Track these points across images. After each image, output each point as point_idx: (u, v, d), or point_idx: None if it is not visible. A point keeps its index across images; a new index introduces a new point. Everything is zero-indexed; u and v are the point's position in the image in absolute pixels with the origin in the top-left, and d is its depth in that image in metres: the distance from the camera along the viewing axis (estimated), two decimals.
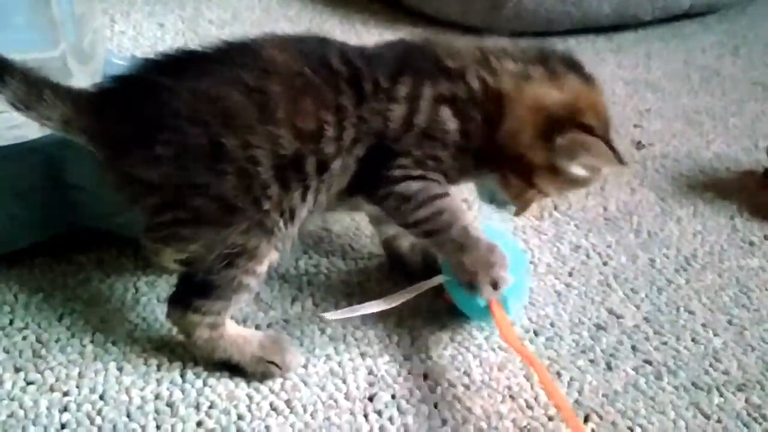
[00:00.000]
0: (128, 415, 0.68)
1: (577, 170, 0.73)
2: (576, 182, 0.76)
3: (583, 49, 1.60)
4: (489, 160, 0.74)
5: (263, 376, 0.71)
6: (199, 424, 0.67)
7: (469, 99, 0.73)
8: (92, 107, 0.68)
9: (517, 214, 0.81)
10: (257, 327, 0.79)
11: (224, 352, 0.71)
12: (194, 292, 0.70)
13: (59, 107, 0.67)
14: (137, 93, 0.68)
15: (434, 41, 0.78)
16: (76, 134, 0.68)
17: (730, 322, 0.83)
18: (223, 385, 0.71)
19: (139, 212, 0.71)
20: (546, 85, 0.73)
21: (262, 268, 0.71)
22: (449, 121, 0.72)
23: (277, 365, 0.72)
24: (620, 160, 0.70)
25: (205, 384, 0.71)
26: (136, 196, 0.69)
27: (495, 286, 0.71)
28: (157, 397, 0.70)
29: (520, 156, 0.73)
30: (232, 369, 0.72)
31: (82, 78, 0.88)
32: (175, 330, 0.74)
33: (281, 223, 0.70)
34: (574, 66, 0.76)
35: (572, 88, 0.73)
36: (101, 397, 0.69)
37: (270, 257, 0.71)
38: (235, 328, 0.74)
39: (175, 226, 0.69)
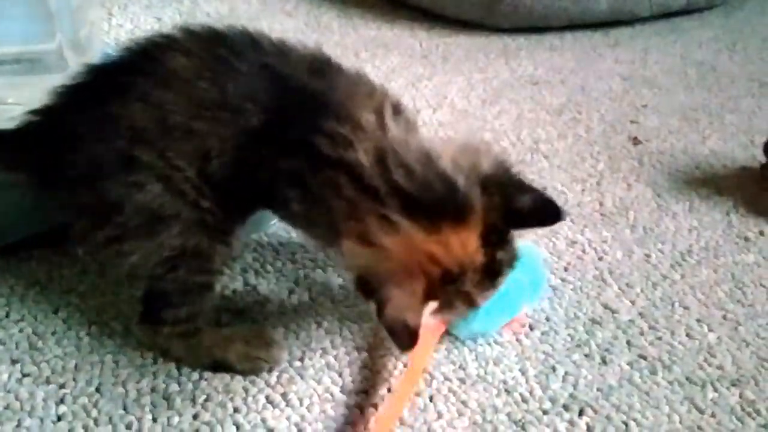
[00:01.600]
0: (124, 408, 0.68)
1: None
2: None
3: (580, 44, 1.61)
4: None
5: (252, 372, 0.71)
6: (195, 416, 0.68)
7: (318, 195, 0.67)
8: (16, 145, 0.70)
9: None
10: (253, 320, 0.79)
11: (208, 355, 0.72)
12: (156, 305, 0.70)
13: None
14: (51, 123, 0.69)
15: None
16: (13, 174, 0.71)
17: (725, 318, 0.84)
18: (219, 378, 0.71)
19: (78, 235, 0.71)
20: None
21: (213, 265, 0.70)
22: (294, 201, 0.68)
23: (264, 360, 0.72)
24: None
25: (201, 377, 0.71)
26: (72, 221, 0.70)
27: None
28: (153, 389, 0.70)
29: None
30: (221, 368, 0.72)
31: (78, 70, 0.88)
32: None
33: (225, 218, 0.69)
34: None
35: None
36: (97, 390, 0.70)
37: (221, 252, 0.70)
38: (216, 331, 0.73)
39: (109, 244, 0.68)
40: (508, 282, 0.70)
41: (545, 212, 0.65)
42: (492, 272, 0.65)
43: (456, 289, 0.64)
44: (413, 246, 0.61)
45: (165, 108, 0.65)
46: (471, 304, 0.67)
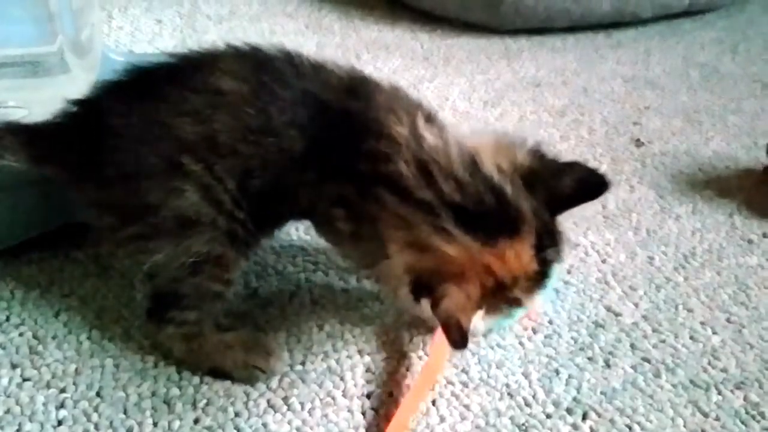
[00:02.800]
0: (125, 412, 0.68)
1: None
2: None
3: (582, 46, 1.60)
4: None
5: (248, 381, 0.71)
6: (196, 421, 0.67)
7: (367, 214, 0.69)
8: (50, 139, 0.70)
9: None
10: (255, 324, 0.78)
11: (207, 361, 0.71)
12: (166, 304, 0.71)
13: (23, 149, 0.69)
14: (91, 119, 0.70)
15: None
16: (43, 168, 0.71)
17: (728, 320, 0.83)
18: (220, 383, 0.71)
19: (103, 230, 0.72)
20: None
21: (230, 275, 0.71)
22: (340, 221, 0.70)
23: (261, 369, 0.71)
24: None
25: (202, 381, 0.71)
26: (98, 217, 0.72)
27: None
28: (154, 394, 0.70)
29: None
30: (219, 375, 0.71)
31: (79, 72, 0.88)
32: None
33: (254, 231, 0.71)
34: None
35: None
36: (98, 394, 0.69)
37: (239, 264, 0.71)
38: (217, 336, 0.73)
39: (135, 240, 0.69)
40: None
41: (590, 187, 0.68)
42: (542, 275, 0.67)
43: (505, 296, 0.65)
44: (469, 255, 0.63)
45: (214, 127, 0.67)
46: (518, 306, 0.68)
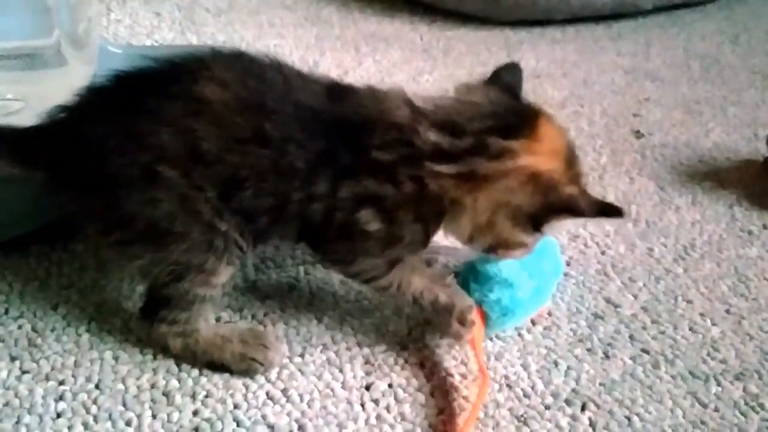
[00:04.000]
0: (124, 404, 0.68)
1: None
2: None
3: (582, 37, 1.60)
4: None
5: (246, 373, 0.71)
6: (195, 413, 0.67)
7: (394, 200, 0.68)
8: (34, 144, 0.70)
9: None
10: (253, 316, 0.78)
11: (205, 354, 0.71)
12: (158, 303, 0.71)
13: (7, 153, 0.70)
14: (74, 126, 0.69)
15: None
16: (27, 173, 0.71)
17: (728, 312, 0.83)
18: (219, 375, 0.71)
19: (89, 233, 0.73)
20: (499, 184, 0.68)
21: (217, 280, 0.70)
22: (370, 222, 0.68)
23: (259, 362, 0.71)
24: (599, 210, 0.69)
25: (201, 373, 0.71)
26: (83, 223, 0.73)
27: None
28: (153, 386, 0.70)
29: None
30: (217, 368, 0.71)
31: (77, 65, 0.88)
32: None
33: (240, 243, 0.69)
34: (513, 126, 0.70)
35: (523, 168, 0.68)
36: (97, 386, 0.69)
37: (225, 271, 0.70)
38: (213, 329, 0.73)
39: (118, 245, 0.70)
40: (539, 276, 0.76)
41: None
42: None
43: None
44: (528, 163, 0.68)
45: (196, 135, 0.65)
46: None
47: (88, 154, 0.67)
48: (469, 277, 0.76)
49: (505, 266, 0.75)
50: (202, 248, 0.67)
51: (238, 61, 0.71)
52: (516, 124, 0.69)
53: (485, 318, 0.75)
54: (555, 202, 0.67)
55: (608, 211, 0.69)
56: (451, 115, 0.69)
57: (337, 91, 0.72)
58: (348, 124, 0.69)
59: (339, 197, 0.68)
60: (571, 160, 0.71)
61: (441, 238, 0.76)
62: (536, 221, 0.68)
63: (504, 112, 0.70)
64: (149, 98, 0.67)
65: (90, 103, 0.70)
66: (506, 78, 0.76)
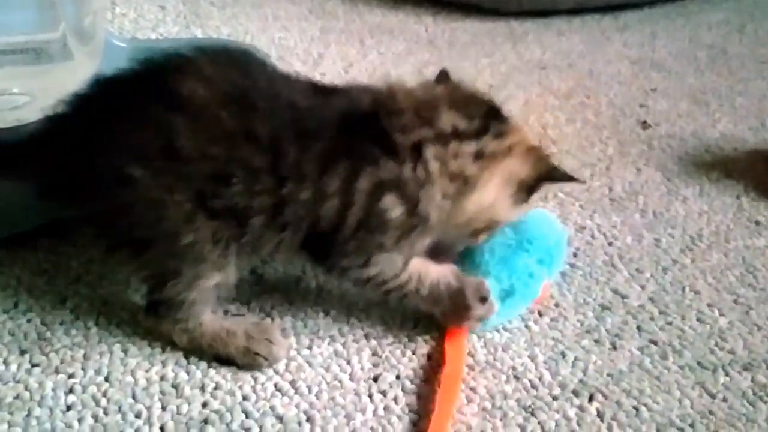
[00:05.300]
0: (133, 397, 0.68)
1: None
2: None
3: (588, 28, 1.59)
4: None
5: (251, 367, 0.71)
6: (204, 405, 0.68)
7: (418, 181, 0.68)
8: (22, 154, 0.70)
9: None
10: (261, 309, 0.79)
11: (210, 348, 0.72)
12: (158, 302, 0.71)
13: None
14: (57, 132, 0.69)
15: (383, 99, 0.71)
16: (15, 179, 0.73)
17: (735, 302, 0.83)
18: (227, 367, 0.71)
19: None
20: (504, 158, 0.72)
21: (207, 284, 0.69)
22: (393, 208, 0.68)
23: (263, 357, 0.71)
24: (572, 177, 0.76)
25: (209, 365, 0.71)
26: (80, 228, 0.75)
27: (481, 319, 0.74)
28: (162, 378, 0.70)
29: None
30: (223, 360, 0.72)
31: (83, 59, 0.88)
32: None
33: (217, 253, 0.68)
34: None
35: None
36: (106, 379, 0.70)
37: (213, 277, 0.69)
38: (219, 323, 0.73)
39: (111, 250, 0.71)
40: (523, 272, 0.76)
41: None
42: None
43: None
44: (523, 139, 0.74)
45: (172, 131, 0.64)
46: None
47: (70, 161, 0.67)
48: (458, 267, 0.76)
49: (491, 252, 0.77)
50: (180, 254, 0.67)
51: (222, 57, 0.70)
52: (498, 112, 0.74)
53: None
54: (546, 170, 0.74)
55: (571, 177, 0.76)
56: (459, 99, 0.73)
57: (321, 88, 0.72)
58: (357, 114, 0.68)
59: (358, 189, 0.67)
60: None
61: None
62: (530, 190, 0.73)
63: (487, 101, 0.75)
64: (131, 101, 0.66)
65: (72, 109, 0.69)
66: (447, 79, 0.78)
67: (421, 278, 0.72)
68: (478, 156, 0.70)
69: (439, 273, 0.73)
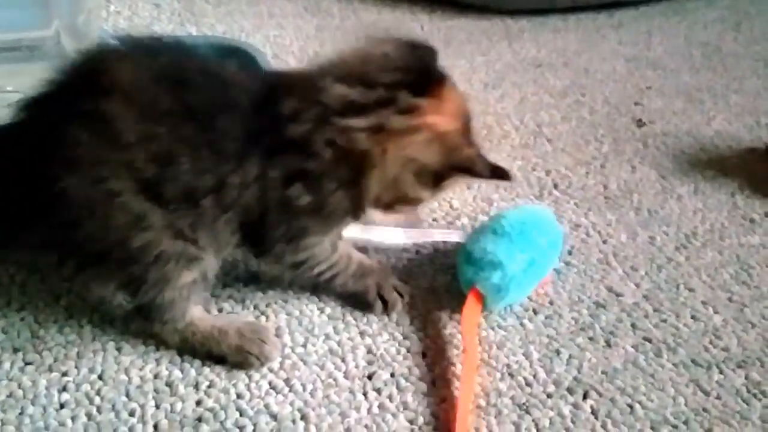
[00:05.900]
0: (127, 395, 0.68)
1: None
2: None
3: (584, 26, 1.59)
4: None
5: (242, 366, 0.71)
6: (198, 403, 0.67)
7: (317, 171, 0.67)
8: None
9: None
10: (255, 307, 0.78)
11: (202, 346, 0.71)
12: (139, 307, 0.71)
13: None
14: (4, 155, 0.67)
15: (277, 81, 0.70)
16: None
17: (730, 300, 0.83)
18: (221, 365, 0.71)
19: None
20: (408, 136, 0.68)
21: (180, 283, 0.69)
22: (301, 197, 0.68)
23: (255, 356, 0.71)
24: (497, 176, 0.72)
25: (203, 364, 0.71)
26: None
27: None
28: (156, 376, 0.70)
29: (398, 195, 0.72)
30: (215, 359, 0.71)
31: None
32: None
33: (179, 249, 0.67)
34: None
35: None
36: (100, 377, 0.69)
37: (183, 276, 0.68)
38: (211, 322, 0.73)
39: (78, 272, 0.71)
40: (534, 250, 0.77)
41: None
42: None
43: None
44: (435, 122, 0.68)
45: (108, 116, 0.62)
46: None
47: (14, 184, 0.65)
48: (462, 258, 0.78)
49: (495, 244, 0.76)
50: (138, 258, 0.66)
51: (153, 44, 0.69)
52: (424, 83, 0.69)
53: (481, 297, 0.76)
54: (457, 161, 0.69)
55: (500, 174, 0.72)
56: (361, 66, 0.69)
57: (266, 73, 0.73)
58: (262, 98, 0.67)
59: (270, 177, 0.67)
60: (468, 124, 0.72)
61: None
62: (437, 179, 0.70)
63: (414, 68, 0.70)
64: (59, 107, 0.64)
65: (16, 129, 0.67)
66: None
67: (351, 259, 0.76)
68: (376, 130, 0.67)
69: (360, 256, 0.79)
